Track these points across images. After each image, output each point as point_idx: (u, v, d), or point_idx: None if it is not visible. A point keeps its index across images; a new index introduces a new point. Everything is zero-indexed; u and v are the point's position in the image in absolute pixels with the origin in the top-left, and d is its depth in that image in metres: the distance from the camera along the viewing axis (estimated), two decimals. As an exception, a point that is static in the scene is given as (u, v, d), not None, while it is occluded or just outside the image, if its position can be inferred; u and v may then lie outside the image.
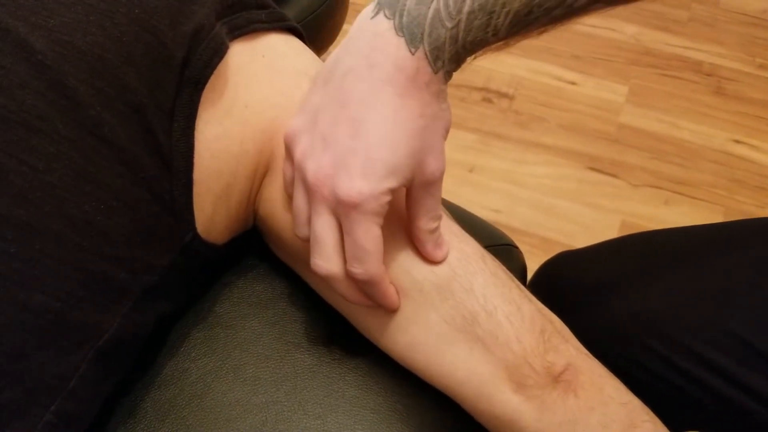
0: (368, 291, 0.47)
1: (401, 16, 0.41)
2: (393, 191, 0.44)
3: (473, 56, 0.45)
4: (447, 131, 0.46)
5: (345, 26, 0.95)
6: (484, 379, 0.47)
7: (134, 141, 0.46)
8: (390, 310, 0.49)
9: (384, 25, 0.42)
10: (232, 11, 0.52)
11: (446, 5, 0.41)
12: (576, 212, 1.37)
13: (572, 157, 1.43)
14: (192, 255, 0.50)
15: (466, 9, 0.41)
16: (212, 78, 0.49)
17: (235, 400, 0.52)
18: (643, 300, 0.64)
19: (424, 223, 0.47)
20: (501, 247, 0.66)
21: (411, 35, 0.41)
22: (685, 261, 0.64)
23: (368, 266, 0.45)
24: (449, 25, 0.41)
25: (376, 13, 0.43)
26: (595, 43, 1.63)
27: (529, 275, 0.76)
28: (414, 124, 0.43)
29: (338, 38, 0.96)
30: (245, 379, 0.53)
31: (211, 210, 0.51)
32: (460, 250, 0.50)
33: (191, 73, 0.48)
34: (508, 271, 0.51)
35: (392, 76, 0.42)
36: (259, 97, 0.52)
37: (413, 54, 0.42)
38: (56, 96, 0.43)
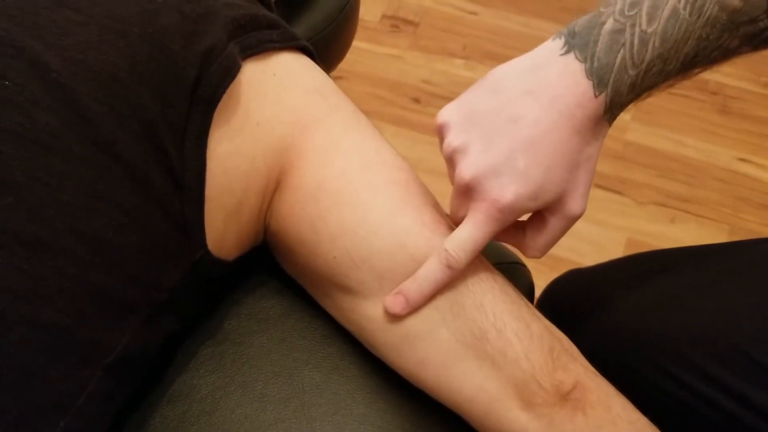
0: (438, 280, 0.48)
1: (593, 61, 0.45)
2: (528, 211, 0.48)
3: (634, 102, 0.49)
4: (593, 176, 0.49)
5: (354, 43, 0.96)
6: (493, 396, 0.47)
7: (146, 159, 0.46)
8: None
9: (575, 65, 0.46)
10: (244, 31, 0.52)
11: (631, 55, 0.45)
12: (582, 229, 1.37)
13: (578, 175, 1.43)
14: (202, 272, 0.50)
15: (647, 58, 0.45)
16: (224, 97, 0.49)
17: (244, 417, 0.52)
18: (651, 318, 0.64)
19: (530, 250, 0.51)
20: (509, 265, 0.66)
21: (599, 80, 0.45)
22: (693, 280, 0.64)
23: (463, 258, 0.48)
24: (632, 73, 0.45)
25: (567, 52, 0.46)
26: (601, 60, 1.64)
27: (536, 292, 0.76)
28: (574, 157, 0.47)
29: (347, 55, 0.96)
30: (253, 396, 0.53)
31: (222, 227, 0.51)
32: (473, 267, 0.50)
33: (203, 92, 0.48)
34: (516, 289, 0.52)
35: (573, 111, 0.46)
36: (270, 114, 0.52)
37: (596, 97, 0.45)
38: (69, 114, 0.44)
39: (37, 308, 0.41)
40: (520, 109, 0.47)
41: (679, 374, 0.60)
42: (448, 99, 0.50)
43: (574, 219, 0.49)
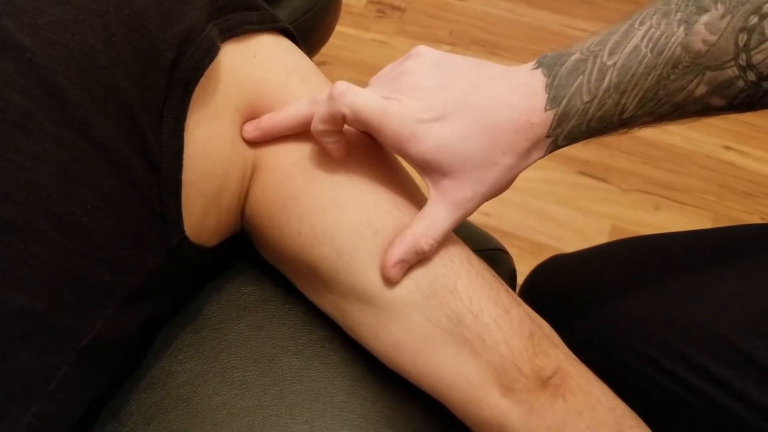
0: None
1: (554, 78, 0.46)
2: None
3: (586, 140, 0.50)
4: (502, 190, 0.49)
5: (337, 28, 0.95)
6: (472, 382, 0.47)
7: (123, 142, 0.45)
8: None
9: (539, 79, 0.47)
10: (224, 12, 0.51)
11: (588, 81, 0.46)
12: (566, 216, 1.38)
13: (563, 162, 1.43)
14: (180, 258, 0.50)
15: (603, 86, 0.46)
16: (203, 79, 0.48)
17: (222, 404, 0.51)
18: (635, 306, 0.64)
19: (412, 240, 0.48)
20: (491, 252, 0.66)
21: (554, 96, 0.46)
22: (677, 267, 0.64)
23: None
24: (586, 99, 0.46)
25: (536, 68, 0.48)
26: (587, 47, 1.63)
27: (520, 278, 0.76)
28: (501, 145, 0.46)
29: (330, 39, 0.95)
30: (232, 383, 0.52)
31: (201, 212, 0.50)
32: (444, 250, 0.49)
33: (181, 74, 0.47)
34: (496, 275, 0.51)
35: (520, 114, 0.47)
36: (251, 98, 0.52)
37: (546, 111, 0.46)
38: (44, 95, 0.43)
39: (11, 293, 0.41)
40: (472, 92, 0.47)
41: (664, 363, 0.60)
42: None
43: (457, 203, 0.48)
